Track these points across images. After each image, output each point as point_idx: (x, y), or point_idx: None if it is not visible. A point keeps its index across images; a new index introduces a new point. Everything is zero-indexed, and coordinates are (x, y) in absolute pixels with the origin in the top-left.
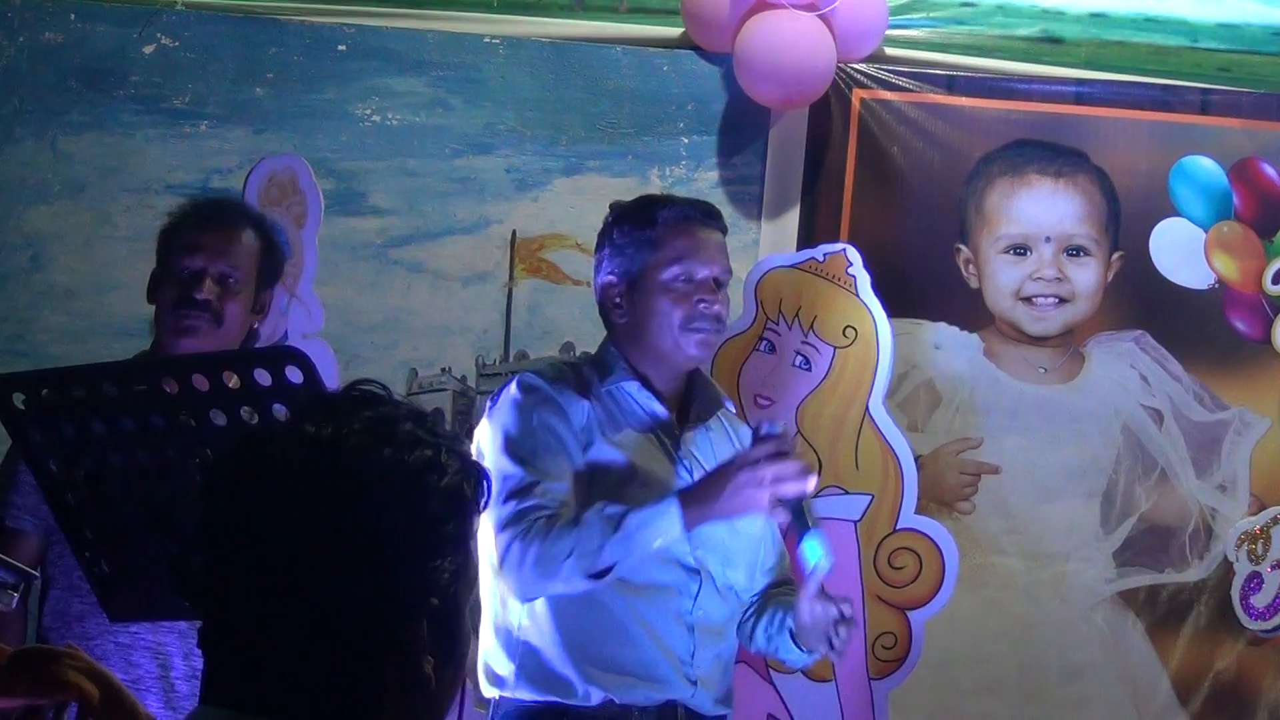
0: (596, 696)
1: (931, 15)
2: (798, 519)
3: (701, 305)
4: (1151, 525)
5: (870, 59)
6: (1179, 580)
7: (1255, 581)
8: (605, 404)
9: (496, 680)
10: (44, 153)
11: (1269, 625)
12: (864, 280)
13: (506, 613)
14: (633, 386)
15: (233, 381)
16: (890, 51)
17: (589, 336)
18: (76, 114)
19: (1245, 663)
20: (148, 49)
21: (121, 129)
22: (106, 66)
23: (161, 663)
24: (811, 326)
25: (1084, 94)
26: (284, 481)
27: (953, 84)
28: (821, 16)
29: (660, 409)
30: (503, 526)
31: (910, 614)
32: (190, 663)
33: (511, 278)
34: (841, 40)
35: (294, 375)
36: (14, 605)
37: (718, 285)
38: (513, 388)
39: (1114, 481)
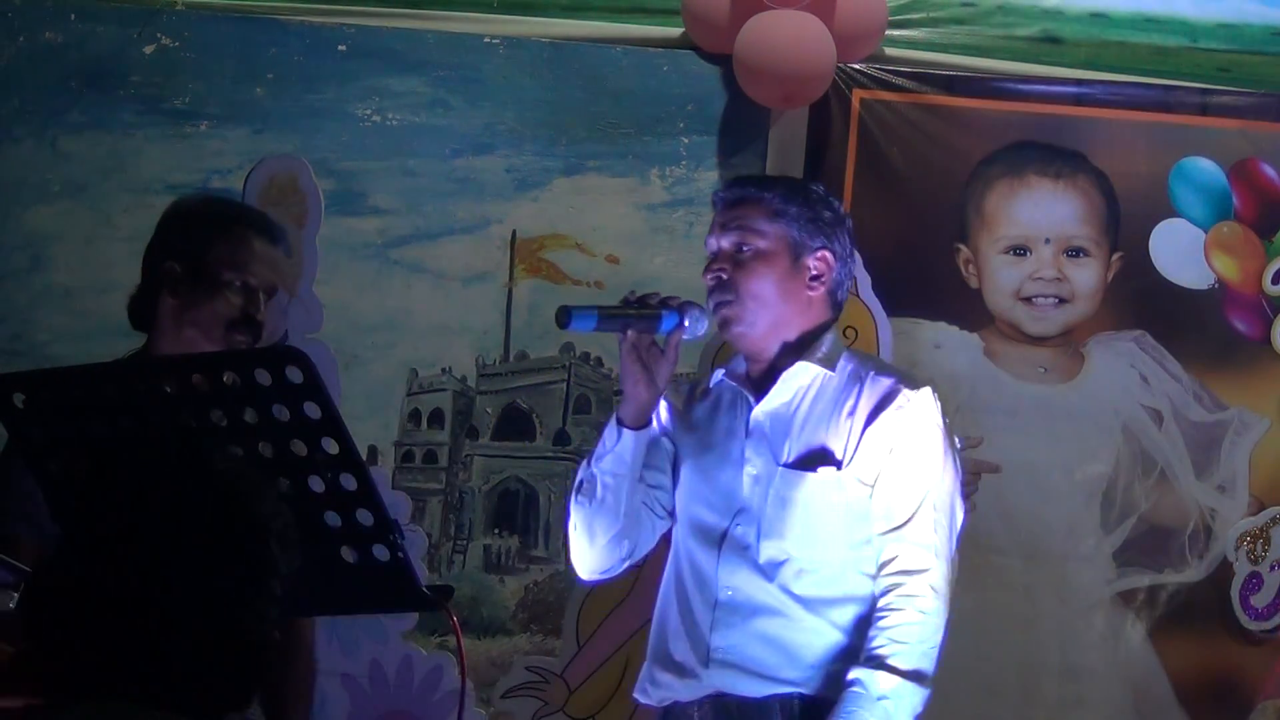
0: (658, 696)
1: (931, 15)
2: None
3: (708, 277)
4: (1151, 525)
5: (870, 59)
6: (1179, 580)
7: (1255, 581)
8: (711, 397)
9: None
10: (44, 153)
11: (1269, 625)
12: (864, 281)
13: None
14: (718, 375)
15: (232, 381)
16: (890, 51)
17: (588, 336)
18: (76, 114)
19: (1245, 663)
20: (148, 49)
21: (121, 129)
22: (106, 66)
23: None
24: None
25: (1084, 95)
26: None
27: (952, 85)
28: (821, 17)
29: (740, 388)
30: None
31: None
32: None
33: (511, 278)
34: (841, 40)
35: (294, 375)
36: (12, 604)
37: (729, 254)
38: None
39: (1114, 481)
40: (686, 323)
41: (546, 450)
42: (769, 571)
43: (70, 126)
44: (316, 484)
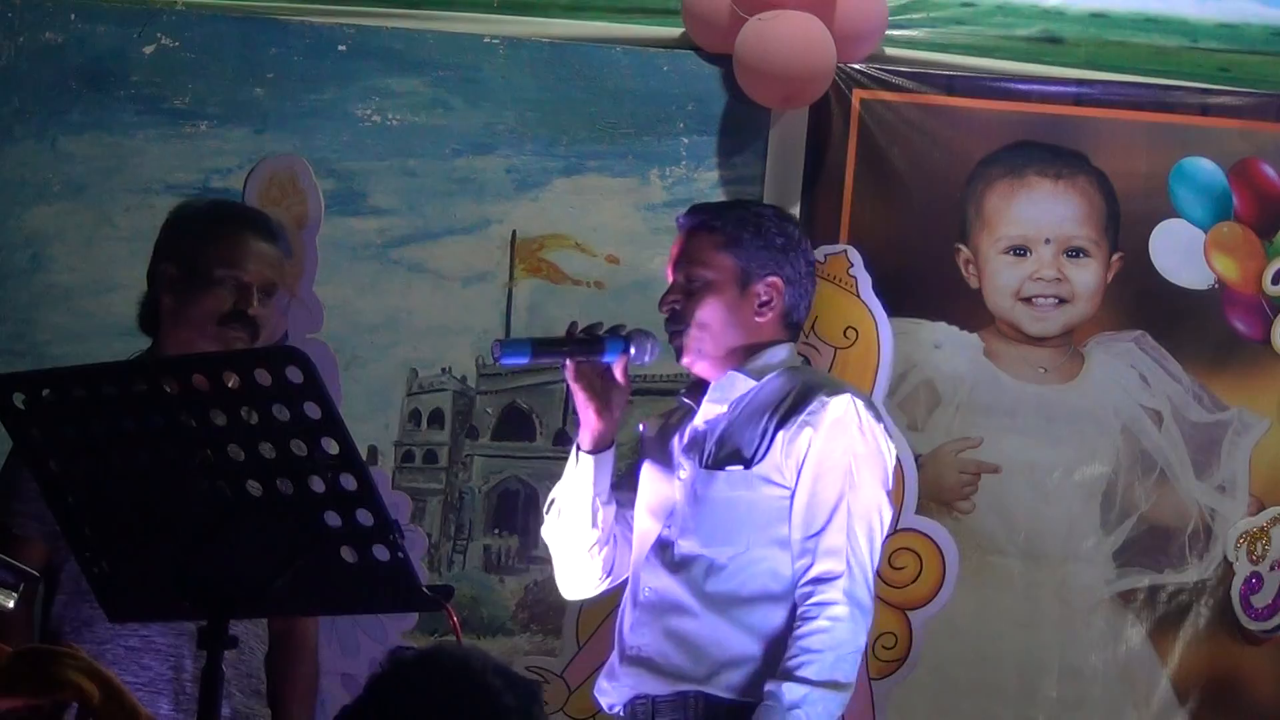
0: (605, 704)
1: (931, 15)
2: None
3: (663, 307)
4: (1151, 525)
5: (870, 59)
6: (1179, 580)
7: (1255, 581)
8: (675, 418)
9: None
10: (44, 153)
11: (1269, 625)
12: (865, 281)
13: None
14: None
15: (232, 381)
16: (890, 52)
17: None
18: (76, 114)
19: (1245, 663)
20: (148, 49)
21: (121, 129)
22: (106, 66)
23: (174, 665)
24: (812, 327)
25: (1084, 95)
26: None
27: (952, 85)
28: (821, 17)
29: (690, 404)
30: None
31: (910, 614)
32: (200, 665)
33: (511, 278)
34: (841, 40)
35: (294, 375)
36: (11, 604)
37: (681, 285)
38: None
39: (1114, 481)
40: (633, 350)
41: (546, 450)
42: (682, 568)
43: (70, 126)
44: (316, 484)
